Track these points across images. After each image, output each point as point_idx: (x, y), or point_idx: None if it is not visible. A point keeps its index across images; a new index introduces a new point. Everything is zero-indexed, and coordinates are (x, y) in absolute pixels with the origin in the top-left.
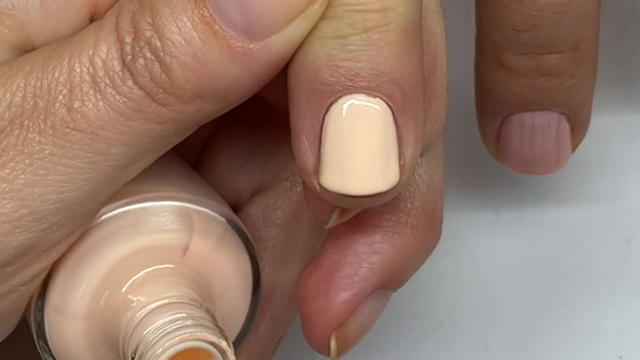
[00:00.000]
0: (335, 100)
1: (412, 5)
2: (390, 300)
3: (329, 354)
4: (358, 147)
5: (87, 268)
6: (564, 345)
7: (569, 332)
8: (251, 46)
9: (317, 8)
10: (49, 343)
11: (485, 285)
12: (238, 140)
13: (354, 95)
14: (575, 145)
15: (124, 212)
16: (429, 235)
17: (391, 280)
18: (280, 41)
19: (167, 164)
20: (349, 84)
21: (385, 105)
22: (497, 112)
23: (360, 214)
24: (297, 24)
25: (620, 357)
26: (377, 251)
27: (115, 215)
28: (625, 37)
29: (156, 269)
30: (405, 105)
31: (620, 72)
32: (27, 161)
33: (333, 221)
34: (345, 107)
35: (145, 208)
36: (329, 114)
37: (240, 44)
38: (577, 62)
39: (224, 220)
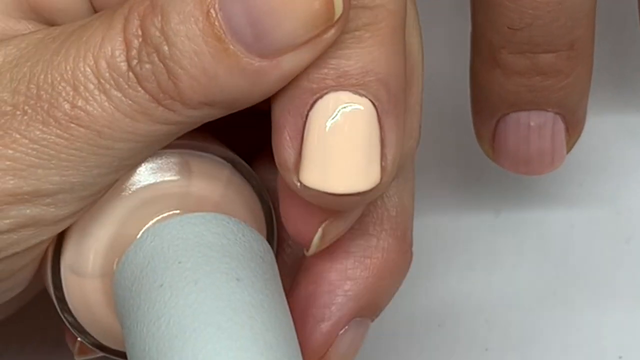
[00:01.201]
0: (321, 97)
1: (401, 4)
2: (391, 300)
3: None
4: (341, 145)
5: (96, 227)
6: (564, 345)
7: (568, 332)
8: (262, 64)
9: (332, 34)
10: (70, 305)
11: (485, 285)
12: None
13: (340, 93)
14: (570, 145)
15: None
16: (400, 257)
17: (367, 307)
18: (291, 61)
19: None
20: (337, 81)
21: (371, 105)
22: (493, 112)
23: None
24: (311, 48)
25: (620, 357)
26: (350, 277)
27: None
28: (622, 37)
29: (163, 216)
30: (390, 105)
31: (619, 73)
32: (31, 145)
33: (315, 246)
34: (330, 104)
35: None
36: (313, 110)
37: (251, 62)
38: (573, 61)
39: (229, 164)
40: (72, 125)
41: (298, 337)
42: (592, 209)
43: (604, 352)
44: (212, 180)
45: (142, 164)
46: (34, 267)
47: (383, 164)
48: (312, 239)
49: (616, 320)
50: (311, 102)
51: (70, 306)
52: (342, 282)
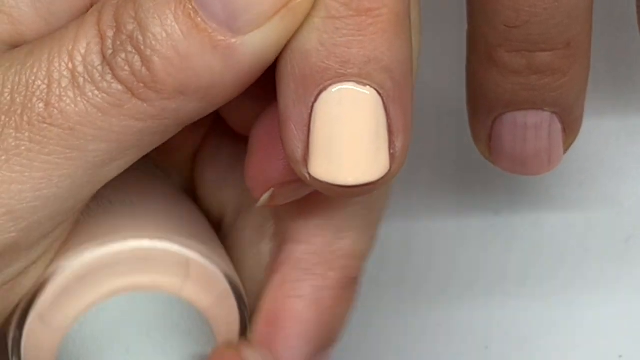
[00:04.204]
0: (325, 88)
1: None
2: (391, 300)
3: None
4: (348, 136)
5: (80, 291)
6: (564, 345)
7: (568, 332)
8: (233, 40)
9: (301, 1)
10: (22, 348)
11: (485, 285)
12: (222, 154)
13: (345, 83)
14: (567, 145)
15: (128, 247)
16: (348, 293)
17: (324, 344)
18: (264, 36)
19: (182, 209)
20: (340, 70)
21: (376, 94)
22: (489, 112)
23: (283, 285)
24: (281, 18)
25: (620, 357)
26: (303, 320)
27: (120, 249)
28: (621, 38)
29: None
30: (395, 93)
31: (618, 74)
32: (4, 157)
33: (263, 201)
34: (335, 94)
35: (147, 247)
36: (318, 101)
37: (223, 38)
38: (569, 59)
39: (226, 282)
40: (45, 125)
41: None
42: (592, 209)
43: (604, 351)
44: (205, 291)
45: (143, 247)
46: (14, 297)
47: (392, 151)
48: (262, 195)
49: (616, 320)
50: (316, 93)
51: (22, 350)
52: (295, 326)
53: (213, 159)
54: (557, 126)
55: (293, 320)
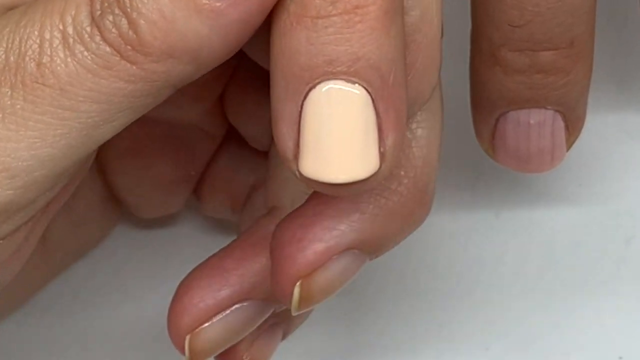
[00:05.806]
0: (314, 86)
1: None
2: (390, 300)
3: (290, 304)
4: (336, 134)
5: None
6: (564, 345)
7: (568, 332)
8: (218, 4)
9: None
10: None
11: (485, 285)
12: (251, 88)
13: (333, 81)
14: (570, 143)
15: None
16: (417, 207)
17: (369, 244)
18: None
19: None
20: (328, 69)
21: (364, 91)
22: (493, 110)
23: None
24: None
25: (620, 357)
26: (359, 210)
27: None
28: (622, 36)
29: None
30: (384, 91)
31: (618, 72)
32: (0, 116)
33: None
34: (323, 93)
35: None
36: (307, 100)
37: (207, 1)
38: (573, 59)
39: None
40: (37, 84)
41: (291, 249)
42: (592, 209)
43: (604, 352)
44: None
45: None
46: (15, 258)
47: (382, 149)
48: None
49: (616, 320)
50: (305, 91)
51: None
52: (351, 212)
53: (243, 93)
54: (560, 124)
55: (351, 205)
